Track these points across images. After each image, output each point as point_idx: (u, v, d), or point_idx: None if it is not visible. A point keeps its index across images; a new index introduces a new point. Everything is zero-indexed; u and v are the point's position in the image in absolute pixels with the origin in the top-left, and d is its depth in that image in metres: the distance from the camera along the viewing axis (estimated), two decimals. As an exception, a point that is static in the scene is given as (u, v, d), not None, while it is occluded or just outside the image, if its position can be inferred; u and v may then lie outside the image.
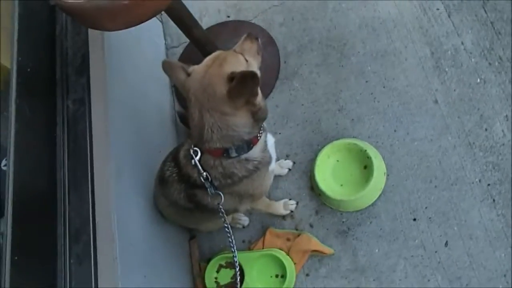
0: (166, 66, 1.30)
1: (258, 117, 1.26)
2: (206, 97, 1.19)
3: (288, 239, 1.82)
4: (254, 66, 1.30)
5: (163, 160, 1.56)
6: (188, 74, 1.25)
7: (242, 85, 1.15)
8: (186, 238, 1.92)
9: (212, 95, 1.18)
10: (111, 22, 1.32)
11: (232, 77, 1.15)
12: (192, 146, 1.30)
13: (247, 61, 1.27)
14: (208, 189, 1.31)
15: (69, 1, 1.24)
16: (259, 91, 1.23)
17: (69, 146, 1.46)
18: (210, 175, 1.29)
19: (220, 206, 1.33)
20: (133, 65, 1.98)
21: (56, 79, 1.67)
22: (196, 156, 1.28)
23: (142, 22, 1.36)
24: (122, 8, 1.23)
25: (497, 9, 1.87)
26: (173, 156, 1.48)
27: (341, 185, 1.81)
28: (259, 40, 1.37)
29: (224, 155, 1.27)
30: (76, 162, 1.46)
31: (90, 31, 1.69)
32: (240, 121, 1.23)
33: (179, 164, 1.40)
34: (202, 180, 1.30)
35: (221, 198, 1.32)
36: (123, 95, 1.77)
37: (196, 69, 1.25)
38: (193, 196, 1.41)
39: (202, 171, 1.28)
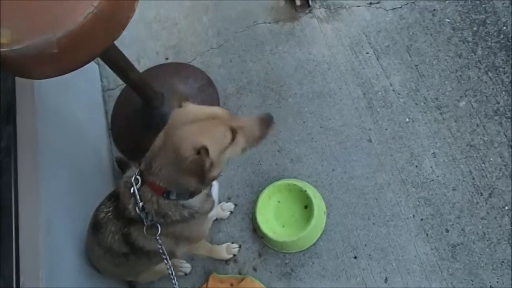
0: (172, 90, 1.25)
1: (206, 183, 1.25)
2: (173, 142, 1.16)
3: (231, 284, 1.78)
4: (239, 147, 1.23)
5: (97, 207, 1.49)
6: (180, 105, 1.21)
7: (198, 169, 1.12)
8: (125, 291, 1.82)
9: (176, 148, 1.14)
10: (39, 70, 1.26)
11: (199, 151, 1.12)
12: (136, 173, 1.25)
13: (233, 141, 1.19)
14: (144, 220, 1.25)
15: (-9, 49, 1.18)
16: (221, 164, 1.22)
17: (-10, 202, 1.36)
18: (145, 207, 1.25)
19: (158, 238, 1.27)
20: (67, 109, 1.90)
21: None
22: (136, 184, 1.24)
23: (74, 70, 1.31)
24: (50, 57, 1.18)
25: (420, 53, 2.01)
26: (111, 195, 1.42)
27: (283, 226, 1.81)
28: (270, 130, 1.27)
29: (164, 195, 1.23)
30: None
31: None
32: (188, 182, 1.20)
33: (117, 197, 1.34)
34: (137, 211, 1.24)
35: (158, 230, 1.26)
36: (56, 141, 1.68)
37: (187, 109, 1.20)
38: (129, 236, 1.35)
39: (139, 200, 1.24)
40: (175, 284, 1.29)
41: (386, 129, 1.91)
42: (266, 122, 1.26)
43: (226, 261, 1.82)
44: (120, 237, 1.36)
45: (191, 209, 1.29)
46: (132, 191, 1.24)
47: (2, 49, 1.15)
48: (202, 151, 1.11)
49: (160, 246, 1.28)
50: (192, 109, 1.20)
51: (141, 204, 1.24)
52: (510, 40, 1.96)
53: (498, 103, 1.85)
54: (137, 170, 1.27)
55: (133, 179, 1.25)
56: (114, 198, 1.38)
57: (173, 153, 1.15)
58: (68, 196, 1.67)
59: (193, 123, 1.16)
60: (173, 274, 1.29)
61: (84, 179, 1.83)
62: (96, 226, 1.43)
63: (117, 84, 2.26)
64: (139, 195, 1.24)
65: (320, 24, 2.19)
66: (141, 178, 1.24)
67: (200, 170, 1.12)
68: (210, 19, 2.34)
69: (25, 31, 1.15)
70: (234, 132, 1.19)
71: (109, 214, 1.38)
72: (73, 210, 1.65)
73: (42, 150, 1.54)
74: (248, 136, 1.24)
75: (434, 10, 2.10)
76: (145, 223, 1.26)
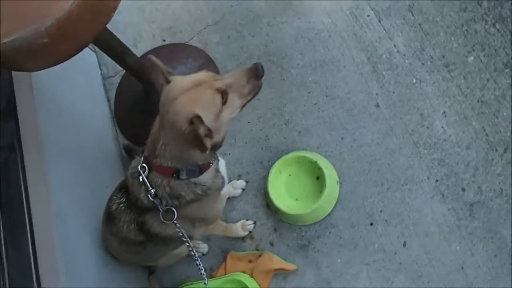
0: (150, 63, 1.21)
1: (212, 150, 1.22)
2: (168, 119, 1.14)
3: (250, 261, 1.78)
4: (235, 105, 1.20)
5: (110, 196, 1.48)
6: (167, 81, 1.18)
7: (191, 140, 1.11)
8: (144, 275, 1.83)
9: (172, 122, 1.13)
10: (31, 62, 1.23)
11: (192, 121, 1.09)
12: (141, 161, 1.24)
13: (224, 103, 1.16)
14: (159, 206, 1.25)
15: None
16: (222, 127, 1.19)
17: (1, 199, 1.35)
18: (157, 194, 1.24)
19: (175, 222, 1.26)
20: (67, 101, 1.88)
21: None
22: (144, 172, 1.22)
23: (68, 59, 1.28)
24: (41, 47, 1.14)
25: (422, 11, 1.94)
26: (121, 186, 1.42)
27: (296, 199, 1.79)
28: (260, 81, 1.22)
29: (174, 175, 1.22)
30: (11, 215, 1.34)
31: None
32: (194, 153, 1.18)
33: (127, 189, 1.34)
34: (150, 198, 1.23)
35: (174, 214, 1.25)
36: (59, 134, 1.66)
37: (175, 83, 1.17)
38: (144, 225, 1.35)
39: (150, 188, 1.22)
40: (200, 264, 1.28)
41: (393, 93, 1.87)
42: (254, 72, 1.19)
43: (243, 239, 1.82)
44: (135, 226, 1.36)
45: (204, 185, 1.28)
46: (141, 180, 1.23)
47: (-10, 44, 1.12)
48: (195, 120, 1.09)
49: (179, 230, 1.27)
50: (178, 81, 1.17)
51: (153, 191, 1.22)
52: (517, -12, 1.88)
53: (508, 55, 1.79)
54: (142, 158, 1.25)
55: (139, 167, 1.23)
56: (125, 189, 1.37)
57: (170, 130, 1.14)
58: (78, 187, 1.66)
59: (181, 95, 1.13)
60: (196, 256, 1.28)
61: (92, 169, 1.82)
62: (110, 217, 1.43)
63: (117, 71, 2.23)
64: (149, 182, 1.23)
65: (317, -10, 2.12)
66: (147, 165, 1.23)
67: (197, 140, 1.09)
68: (204, -4, 2.28)
69: (12, 23, 1.11)
70: (223, 93, 1.15)
71: (121, 205, 1.37)
72: (85, 200, 1.65)
73: (46, 143, 1.52)
74: (240, 93, 1.19)
75: (435, -36, 2.01)
76: (160, 209, 1.25)
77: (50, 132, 1.59)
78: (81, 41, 1.25)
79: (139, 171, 1.23)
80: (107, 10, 1.24)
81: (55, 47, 1.18)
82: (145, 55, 2.18)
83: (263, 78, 1.22)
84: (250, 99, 1.24)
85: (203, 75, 1.18)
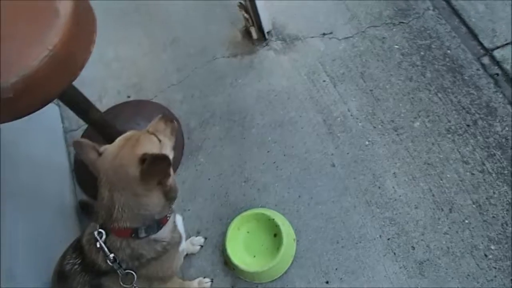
0: (77, 146, 1.24)
1: (170, 197, 1.25)
2: (118, 177, 1.16)
3: (206, 321, 1.74)
4: (168, 146, 1.31)
5: (63, 254, 1.44)
6: (100, 154, 1.22)
7: (154, 167, 1.14)
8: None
9: (124, 176, 1.15)
10: (-6, 116, 1.24)
11: (144, 159, 1.14)
12: (97, 228, 1.23)
13: (160, 141, 1.27)
14: (118, 271, 1.23)
15: None
16: (172, 171, 1.23)
17: None
18: (117, 257, 1.23)
19: (135, 286, 1.25)
20: (27, 151, 1.86)
21: None
22: (101, 238, 1.21)
23: (31, 113, 1.30)
24: (5, 102, 1.17)
25: (373, 78, 2.11)
26: (75, 246, 1.38)
27: (254, 256, 1.80)
28: (174, 122, 1.39)
29: (133, 235, 1.22)
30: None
31: (-27, 123, 1.57)
32: (153, 201, 1.20)
33: (82, 251, 1.31)
34: (109, 263, 1.22)
35: (134, 277, 1.24)
36: (15, 188, 1.64)
37: (108, 149, 1.22)
38: (99, 287, 1.31)
39: (108, 253, 1.21)
40: None
41: (348, 153, 1.97)
42: (166, 117, 1.38)
43: (199, 297, 1.79)
44: None
45: (163, 241, 1.28)
46: (98, 246, 1.22)
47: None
48: (144, 156, 1.14)
49: None
50: (110, 146, 1.23)
51: (111, 256, 1.22)
52: (455, 63, 2.08)
53: (450, 121, 1.95)
54: (97, 225, 1.25)
55: (96, 233, 1.23)
56: (79, 250, 1.34)
57: (124, 185, 1.16)
58: (31, 243, 1.61)
59: (120, 151, 1.19)
60: None
61: (47, 222, 1.77)
62: (62, 277, 1.38)
63: (79, 125, 2.24)
64: (107, 247, 1.22)
65: (277, 56, 2.27)
66: (104, 230, 1.23)
67: (157, 168, 1.14)
68: (169, 56, 2.38)
69: (-22, 77, 1.14)
70: (153, 134, 1.28)
71: (76, 266, 1.33)
72: (36, 255, 1.59)
73: (3, 193, 1.50)
74: (164, 134, 1.32)
75: (383, 37, 2.21)
76: (119, 273, 1.24)
77: (6, 186, 1.56)
78: (46, 97, 1.28)
79: (96, 237, 1.23)
80: (74, 67, 1.28)
81: (20, 102, 1.20)
82: (111, 110, 2.22)
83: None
84: (175, 140, 1.37)
85: (129, 132, 1.27)
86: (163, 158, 1.15)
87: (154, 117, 2.12)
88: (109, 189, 1.18)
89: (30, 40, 1.19)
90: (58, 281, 1.41)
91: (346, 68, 2.17)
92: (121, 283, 1.25)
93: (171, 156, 1.30)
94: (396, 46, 2.18)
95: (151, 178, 1.16)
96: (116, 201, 1.18)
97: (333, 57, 2.21)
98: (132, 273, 1.25)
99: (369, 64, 2.16)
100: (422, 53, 2.14)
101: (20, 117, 1.31)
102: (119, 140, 1.24)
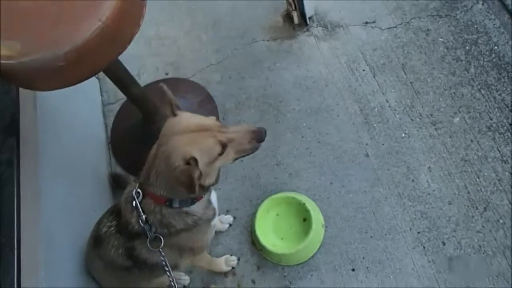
0: (159, 92, 1.23)
1: (203, 189, 1.25)
2: (164, 151, 1.16)
3: (230, 298, 1.78)
4: (229, 158, 1.23)
5: (99, 219, 1.50)
6: (174, 114, 1.21)
7: (181, 179, 1.12)
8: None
9: (167, 156, 1.15)
10: (44, 83, 1.29)
11: (188, 162, 1.12)
12: (136, 187, 1.26)
13: (220, 154, 1.18)
14: (148, 233, 1.26)
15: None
16: (214, 167, 1.21)
17: (-7, 213, 1.36)
18: (148, 220, 1.26)
19: (160, 250, 1.27)
20: (67, 123, 1.92)
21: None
22: (138, 198, 1.24)
23: (78, 83, 1.34)
24: (57, 70, 1.21)
25: (414, 71, 2.07)
26: (112, 210, 1.43)
27: (282, 238, 1.82)
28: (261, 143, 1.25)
29: (167, 203, 1.25)
30: (0, 230, 1.35)
31: (21, 89, 1.63)
32: (183, 191, 1.17)
33: (119, 214, 1.35)
34: (141, 224, 1.25)
35: (161, 242, 1.27)
36: (56, 155, 1.69)
37: (180, 119, 1.20)
38: (132, 250, 1.36)
39: (142, 213, 1.24)
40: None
41: (383, 144, 1.95)
42: (258, 136, 1.23)
43: (225, 274, 1.82)
44: (124, 251, 1.37)
45: (194, 215, 1.31)
46: (134, 205, 1.25)
47: (10, 61, 1.18)
48: (192, 161, 1.12)
49: (163, 258, 1.29)
50: (184, 119, 1.21)
51: (144, 216, 1.25)
52: (501, 59, 2.02)
53: (491, 119, 1.90)
54: (137, 184, 1.28)
55: (134, 192, 1.26)
56: (116, 213, 1.39)
57: (164, 162, 1.16)
58: (68, 207, 1.67)
59: (184, 134, 1.16)
60: (176, 287, 1.30)
61: (83, 191, 1.83)
62: (98, 240, 1.44)
63: (117, 98, 2.29)
64: (142, 208, 1.25)
65: (317, 42, 2.25)
66: (141, 191, 1.26)
67: (188, 180, 1.11)
68: (209, 38, 2.39)
69: (34, 45, 1.17)
70: (224, 145, 1.18)
71: (111, 228, 1.38)
72: (73, 222, 1.65)
73: (43, 163, 1.55)
74: (237, 150, 1.23)
75: (428, 30, 2.16)
76: (148, 235, 1.27)
77: (48, 152, 1.62)
78: (94, 68, 1.32)
79: (133, 196, 1.26)
80: (123, 41, 1.31)
81: (69, 71, 1.25)
82: (147, 86, 2.26)
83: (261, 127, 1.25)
84: (244, 156, 1.27)
85: (210, 122, 1.21)
86: (190, 184, 1.10)
87: (190, 96, 2.20)
88: (155, 152, 1.19)
89: (84, 12, 1.23)
90: (94, 245, 1.47)
91: (387, 58, 2.13)
92: (149, 245, 1.28)
93: (224, 164, 1.24)
94: (441, 39, 2.13)
95: (181, 180, 1.13)
96: (155, 166, 1.19)
97: (375, 46, 2.18)
98: (160, 237, 1.27)
99: (411, 56, 2.11)
100: (467, 47, 2.08)
101: (67, 86, 1.35)
102: (196, 121, 1.20)
